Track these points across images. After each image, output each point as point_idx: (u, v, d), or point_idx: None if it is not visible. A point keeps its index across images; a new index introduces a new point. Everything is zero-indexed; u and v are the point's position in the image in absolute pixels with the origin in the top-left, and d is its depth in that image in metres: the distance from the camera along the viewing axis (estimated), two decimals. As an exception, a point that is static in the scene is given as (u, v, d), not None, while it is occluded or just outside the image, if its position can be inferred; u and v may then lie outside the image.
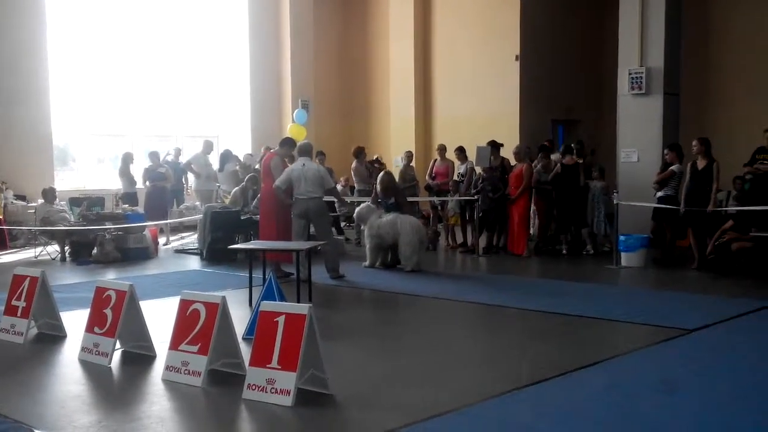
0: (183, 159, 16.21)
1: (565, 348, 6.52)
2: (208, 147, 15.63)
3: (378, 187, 11.75)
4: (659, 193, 11.48)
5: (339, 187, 15.65)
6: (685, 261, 11.04)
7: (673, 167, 11.35)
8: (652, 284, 10.03)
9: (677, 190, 11.13)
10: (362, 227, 11.91)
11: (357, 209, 11.80)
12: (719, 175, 10.64)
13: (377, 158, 16.00)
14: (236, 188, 13.45)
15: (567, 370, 5.68)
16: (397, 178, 14.64)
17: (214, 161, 16.09)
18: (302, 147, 10.43)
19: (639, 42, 13.45)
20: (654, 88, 13.36)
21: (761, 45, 15.54)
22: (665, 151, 11.80)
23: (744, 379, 5.54)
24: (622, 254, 11.17)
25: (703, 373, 5.74)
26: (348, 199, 14.93)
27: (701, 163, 10.69)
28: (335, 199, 11.44)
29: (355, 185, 14.93)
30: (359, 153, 14.72)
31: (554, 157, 13.10)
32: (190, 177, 16.12)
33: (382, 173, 12.02)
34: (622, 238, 11.27)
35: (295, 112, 17.73)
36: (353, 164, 14.69)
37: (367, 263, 11.30)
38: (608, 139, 15.76)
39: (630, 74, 13.55)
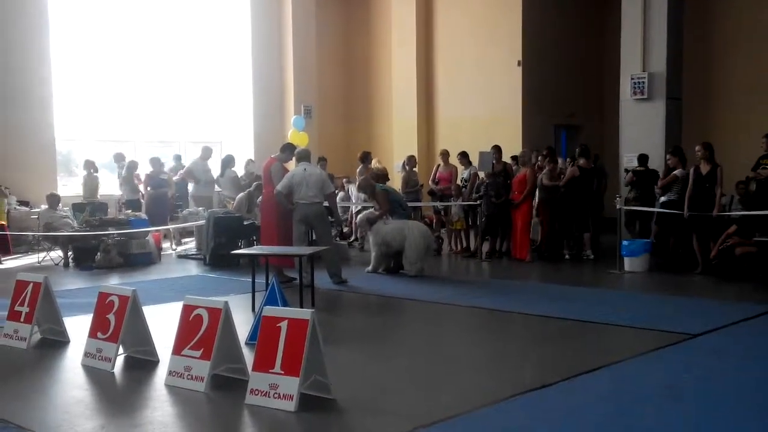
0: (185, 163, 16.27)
1: (568, 353, 6.51)
2: (207, 153, 15.65)
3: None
4: (662, 198, 11.48)
5: (341, 195, 15.67)
6: (689, 266, 11.01)
7: (675, 172, 11.35)
8: (655, 289, 10.00)
9: (680, 195, 11.12)
10: (366, 233, 11.88)
11: (360, 216, 11.78)
12: (723, 180, 10.64)
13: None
14: (242, 194, 13.46)
15: (570, 375, 5.67)
16: (399, 183, 14.68)
17: (214, 167, 16.06)
18: (302, 153, 10.47)
19: (641, 47, 13.45)
20: (656, 93, 13.37)
21: (763, 49, 15.53)
22: (667, 156, 11.79)
23: (749, 385, 5.52)
24: (626, 259, 11.14)
25: (708, 378, 5.72)
26: (352, 204, 14.96)
27: (705, 168, 10.68)
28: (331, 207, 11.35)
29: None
30: (365, 158, 14.69)
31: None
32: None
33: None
34: (625, 242, 11.25)
35: (293, 118, 17.77)
36: (358, 169, 14.65)
37: (369, 268, 11.29)
38: (611, 144, 15.75)
39: (632, 79, 13.56)
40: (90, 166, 14.94)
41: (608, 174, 13.62)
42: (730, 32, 16.08)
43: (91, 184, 14.82)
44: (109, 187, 16.03)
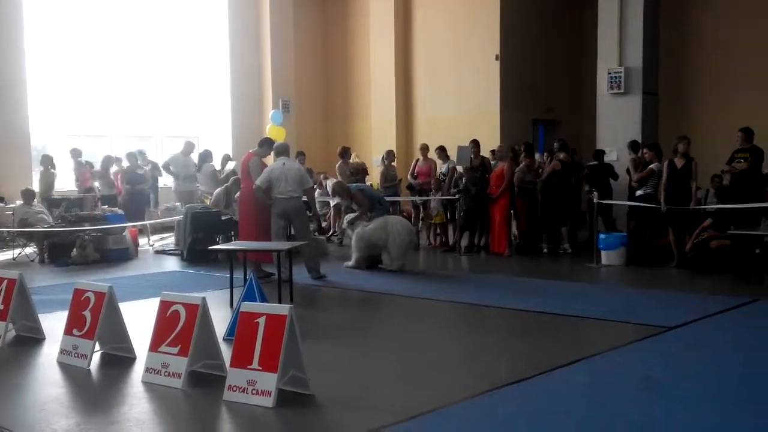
0: (159, 160, 16.16)
1: (545, 346, 6.54)
2: (189, 148, 15.55)
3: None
4: (638, 192, 11.56)
5: (319, 191, 15.62)
6: (665, 259, 11.12)
7: (652, 165, 11.44)
8: (631, 282, 10.08)
9: (656, 189, 11.22)
10: (345, 227, 11.84)
11: (347, 218, 11.72)
12: (697, 174, 10.74)
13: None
14: (219, 189, 13.40)
15: (547, 368, 5.70)
16: (378, 177, 14.67)
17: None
18: (280, 147, 10.42)
19: (618, 42, 13.57)
20: (633, 87, 13.49)
21: (738, 44, 15.67)
22: (644, 150, 11.88)
23: (724, 377, 5.58)
24: (602, 252, 11.23)
25: (683, 370, 5.78)
26: (331, 199, 14.93)
27: (679, 162, 10.77)
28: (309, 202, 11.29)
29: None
30: (344, 153, 14.68)
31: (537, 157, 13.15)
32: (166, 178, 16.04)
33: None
34: (601, 236, 11.33)
35: (271, 113, 17.70)
36: (338, 164, 14.63)
37: (349, 263, 11.27)
38: (589, 140, 15.84)
39: (609, 74, 13.66)
40: (48, 161, 14.79)
41: (585, 168, 13.69)
42: (706, 27, 16.17)
43: (47, 179, 14.66)
44: (66, 182, 15.85)
